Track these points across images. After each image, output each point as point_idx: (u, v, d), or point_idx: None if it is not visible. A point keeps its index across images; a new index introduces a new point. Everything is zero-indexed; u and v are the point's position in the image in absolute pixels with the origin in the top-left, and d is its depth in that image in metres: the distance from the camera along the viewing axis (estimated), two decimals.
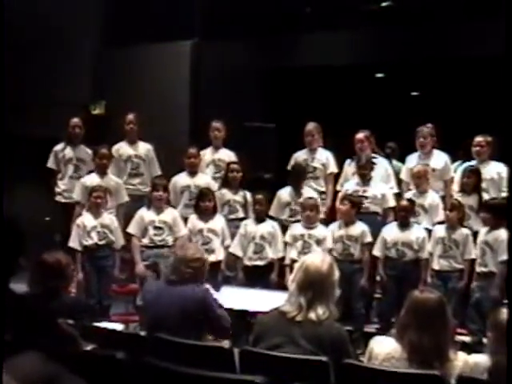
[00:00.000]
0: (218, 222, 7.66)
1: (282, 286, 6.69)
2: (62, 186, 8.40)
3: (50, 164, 8.48)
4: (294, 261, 7.13)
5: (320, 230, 7.47)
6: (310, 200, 7.61)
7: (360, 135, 8.14)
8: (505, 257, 6.78)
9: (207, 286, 5.00)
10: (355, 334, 6.92)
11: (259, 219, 7.64)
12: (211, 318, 4.80)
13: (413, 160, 8.08)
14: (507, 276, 6.35)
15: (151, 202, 7.70)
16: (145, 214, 7.64)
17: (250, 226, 7.64)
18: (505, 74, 6.01)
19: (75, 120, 8.53)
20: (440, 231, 7.26)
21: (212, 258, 7.43)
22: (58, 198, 8.41)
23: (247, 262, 7.57)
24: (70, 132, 8.47)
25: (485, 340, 4.70)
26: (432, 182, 7.83)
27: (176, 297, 4.78)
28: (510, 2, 7.08)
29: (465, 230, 7.19)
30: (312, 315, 3.85)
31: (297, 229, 7.54)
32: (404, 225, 7.32)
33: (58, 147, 8.49)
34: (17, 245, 3.68)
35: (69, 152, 8.44)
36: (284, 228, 7.68)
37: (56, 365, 3.05)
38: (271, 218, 7.83)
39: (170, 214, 7.66)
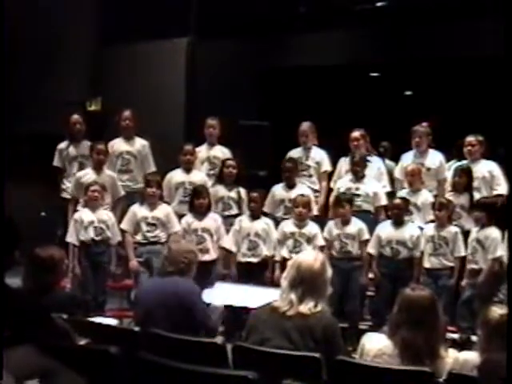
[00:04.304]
0: (213, 221, 7.67)
1: (275, 283, 6.72)
2: (67, 183, 8.41)
3: (56, 163, 8.52)
4: (284, 258, 7.18)
5: (310, 228, 7.49)
6: (303, 197, 7.64)
7: (355, 133, 8.18)
8: (496, 254, 6.86)
9: (196, 285, 5.08)
10: (349, 331, 6.95)
11: (254, 216, 7.66)
12: (195, 314, 4.88)
13: (408, 158, 8.11)
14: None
15: (144, 198, 7.72)
16: (137, 211, 7.65)
17: (244, 222, 7.66)
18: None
19: (75, 117, 8.56)
20: (430, 230, 7.30)
21: (206, 257, 7.47)
22: (64, 195, 8.43)
23: (241, 259, 7.59)
24: (71, 129, 8.50)
25: (474, 338, 4.75)
26: (427, 181, 7.87)
27: (166, 290, 4.84)
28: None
29: (454, 228, 7.23)
30: (303, 309, 3.92)
31: (287, 226, 7.56)
32: (398, 223, 7.35)
33: (62, 145, 8.52)
34: (11, 239, 3.69)
35: (72, 150, 8.48)
36: (278, 225, 7.70)
37: (50, 359, 3.08)
38: (266, 214, 7.85)
39: (163, 211, 7.67)
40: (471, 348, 4.03)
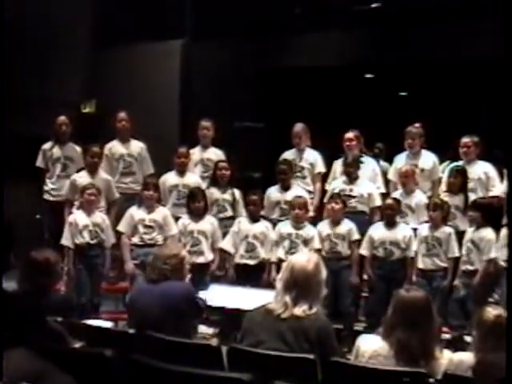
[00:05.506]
0: (209, 224, 7.67)
1: (272, 286, 6.71)
2: (49, 184, 8.38)
3: (39, 163, 8.46)
4: (280, 260, 7.17)
5: (308, 230, 7.50)
6: (299, 198, 7.64)
7: (349, 134, 8.20)
8: (491, 255, 6.86)
9: (189, 283, 5.08)
10: (345, 332, 6.95)
11: (253, 219, 7.65)
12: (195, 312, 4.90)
13: (401, 160, 8.12)
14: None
15: (142, 200, 7.72)
16: (135, 213, 7.65)
17: (243, 224, 7.64)
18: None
19: (62, 118, 8.49)
20: (423, 230, 7.32)
21: (201, 259, 7.47)
22: (46, 197, 8.40)
23: (238, 260, 7.58)
24: (57, 130, 8.44)
25: (466, 337, 4.76)
26: (420, 183, 7.88)
27: (157, 294, 4.84)
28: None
29: (448, 229, 7.24)
30: (297, 311, 3.91)
31: (284, 227, 7.56)
32: (390, 224, 7.37)
33: (46, 146, 8.47)
34: (6, 242, 3.69)
35: (57, 151, 8.43)
36: (275, 227, 7.70)
37: (44, 361, 3.07)
38: (262, 217, 7.84)
39: (160, 213, 7.66)
40: (464, 346, 4.04)
